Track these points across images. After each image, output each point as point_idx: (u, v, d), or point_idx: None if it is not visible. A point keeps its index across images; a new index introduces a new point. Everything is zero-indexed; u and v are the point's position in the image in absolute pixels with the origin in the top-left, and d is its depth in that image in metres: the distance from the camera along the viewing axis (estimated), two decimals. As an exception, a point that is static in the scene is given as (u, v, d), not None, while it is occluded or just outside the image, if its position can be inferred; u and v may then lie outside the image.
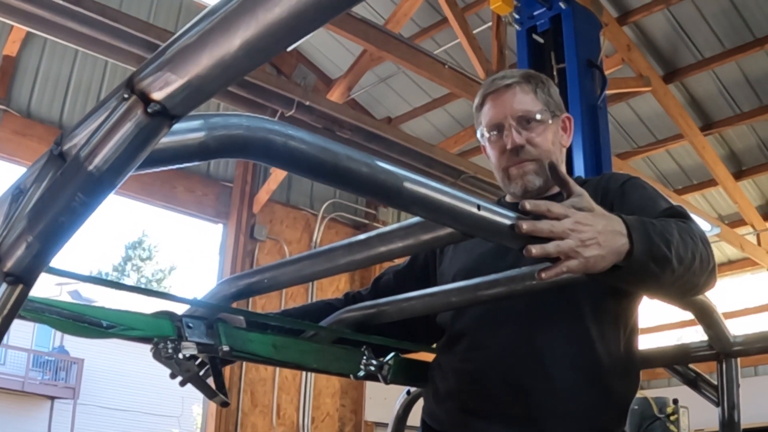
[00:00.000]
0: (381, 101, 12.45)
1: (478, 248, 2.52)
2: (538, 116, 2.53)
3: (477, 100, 2.64)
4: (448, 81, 9.15)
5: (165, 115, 0.95)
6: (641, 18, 10.01)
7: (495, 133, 2.55)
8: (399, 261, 2.70)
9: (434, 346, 2.71)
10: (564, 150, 2.66)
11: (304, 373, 11.22)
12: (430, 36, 10.78)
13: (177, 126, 1.12)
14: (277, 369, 10.95)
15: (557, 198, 2.52)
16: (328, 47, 11.64)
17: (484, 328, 2.43)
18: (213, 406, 10.33)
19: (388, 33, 8.80)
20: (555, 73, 6.60)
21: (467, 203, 1.49)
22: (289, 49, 9.14)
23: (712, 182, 11.77)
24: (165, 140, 1.12)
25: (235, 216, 11.02)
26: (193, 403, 32.65)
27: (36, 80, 9.72)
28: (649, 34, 10.44)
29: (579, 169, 6.20)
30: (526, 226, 1.67)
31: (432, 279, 2.68)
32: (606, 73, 6.96)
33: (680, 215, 2.19)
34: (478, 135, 2.65)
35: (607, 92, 6.93)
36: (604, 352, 2.39)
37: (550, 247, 1.73)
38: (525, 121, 2.52)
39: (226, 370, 8.49)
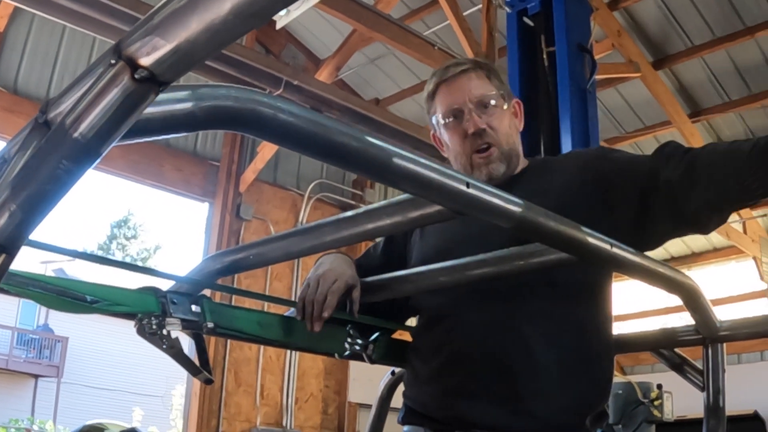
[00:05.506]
0: (369, 82, 12.45)
1: (449, 230, 2.51)
2: (494, 101, 2.55)
3: (430, 88, 2.65)
4: (438, 62, 9.09)
5: (152, 81, 0.93)
6: (632, 4, 10.03)
7: (452, 119, 2.56)
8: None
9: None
10: (519, 133, 2.69)
11: (288, 353, 11.25)
12: (420, 17, 10.77)
13: (164, 96, 1.11)
14: (262, 349, 10.97)
15: (520, 178, 2.56)
16: (317, 27, 11.61)
17: (465, 309, 2.43)
18: (197, 385, 10.34)
19: (379, 13, 8.79)
20: (545, 56, 6.59)
21: (457, 180, 1.47)
22: (279, 26, 9.14)
23: (699, 169, 11.77)
24: (152, 110, 1.11)
25: (222, 195, 11.02)
26: (177, 383, 32.68)
27: (23, 56, 9.69)
28: (639, 19, 10.45)
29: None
30: None
31: (405, 260, 2.68)
32: (596, 58, 6.94)
33: (678, 146, 2.31)
34: (432, 122, 2.65)
35: (597, 77, 6.91)
36: (585, 333, 2.44)
37: None
38: (483, 105, 2.54)
39: (210, 350, 8.44)
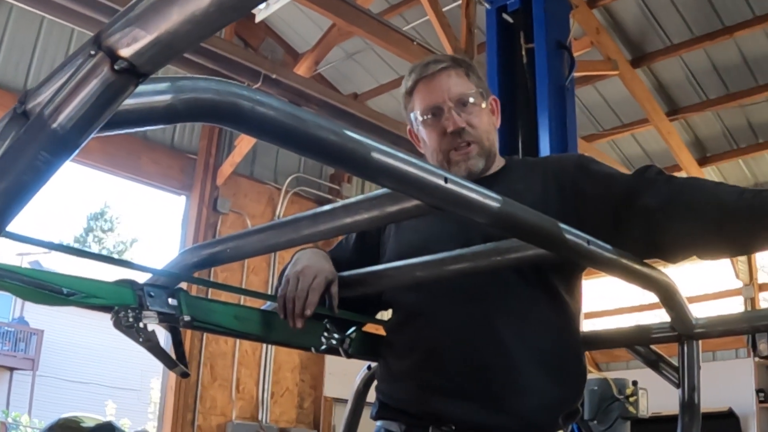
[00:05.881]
0: (348, 77, 12.44)
1: (425, 227, 2.52)
2: (473, 99, 2.56)
3: (408, 85, 2.65)
4: (417, 58, 9.04)
5: (132, 72, 0.93)
6: (611, 2, 10.05)
7: (431, 116, 2.56)
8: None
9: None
10: (496, 130, 2.69)
11: (264, 347, 11.23)
12: (399, 13, 10.76)
13: (144, 88, 1.11)
14: (238, 343, 10.96)
15: (497, 178, 2.56)
16: (296, 21, 11.59)
17: (440, 305, 2.44)
18: (172, 379, 10.31)
19: (358, 8, 8.78)
20: (524, 52, 6.60)
21: (435, 175, 1.48)
22: (258, 20, 9.11)
23: (676, 168, 11.83)
24: (132, 102, 1.10)
25: (199, 188, 10.98)
26: (153, 377, 32.55)
27: (0, 47, 9.61)
28: (618, 18, 10.48)
29: (545, 150, 6.20)
30: None
31: (378, 255, 2.69)
32: (574, 55, 6.96)
33: (660, 171, 2.34)
34: (410, 118, 2.66)
35: (575, 74, 6.94)
36: (559, 331, 2.46)
37: None
38: (461, 103, 2.55)
39: (186, 344, 8.40)
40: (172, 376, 10.04)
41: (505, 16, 6.83)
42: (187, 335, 10.25)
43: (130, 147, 10.44)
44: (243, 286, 10.65)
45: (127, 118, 1.11)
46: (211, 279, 9.74)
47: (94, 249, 47.21)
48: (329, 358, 11.70)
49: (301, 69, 10.33)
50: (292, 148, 1.33)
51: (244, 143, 10.83)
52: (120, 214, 56.04)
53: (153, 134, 10.87)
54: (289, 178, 11.91)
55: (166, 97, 1.14)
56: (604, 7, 10.18)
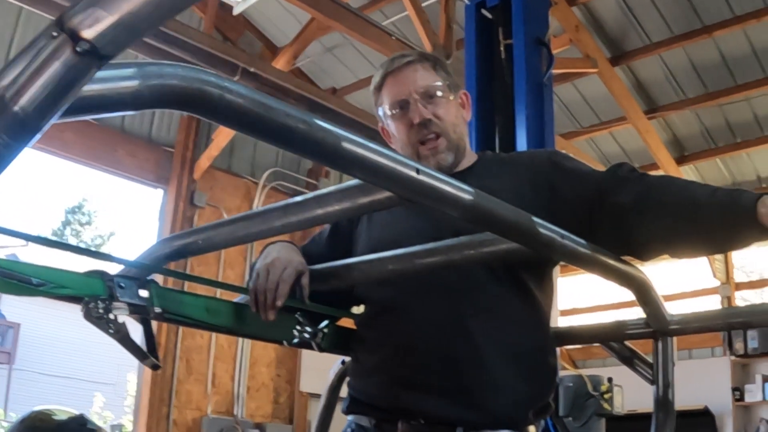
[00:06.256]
0: (327, 71, 12.42)
1: (397, 222, 2.53)
2: (440, 92, 2.57)
3: (376, 80, 2.66)
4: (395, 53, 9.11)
5: (94, 54, 0.91)
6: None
7: (398, 110, 2.57)
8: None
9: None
10: (466, 124, 2.70)
11: (240, 342, 11.21)
12: (379, 8, 10.73)
13: (110, 73, 1.09)
14: (213, 337, 10.94)
15: (470, 173, 2.56)
16: (276, 14, 11.56)
17: (412, 300, 2.43)
18: (148, 373, 10.28)
19: (337, 2, 8.76)
20: (502, 48, 6.60)
21: (406, 166, 1.47)
22: (236, 12, 9.08)
23: (654, 166, 11.87)
24: (98, 87, 1.09)
25: (176, 181, 10.95)
26: (130, 371, 32.45)
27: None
28: (597, 15, 10.50)
29: (522, 146, 6.20)
30: None
31: (351, 250, 2.67)
32: (553, 52, 6.96)
33: (633, 169, 2.35)
34: (380, 113, 2.67)
35: (554, 72, 6.94)
36: (530, 327, 2.48)
37: None
38: (428, 96, 2.56)
39: (162, 338, 8.40)
40: (148, 370, 10.00)
41: (484, 11, 6.83)
42: (163, 330, 10.24)
43: (108, 139, 10.40)
44: (219, 280, 10.63)
45: (93, 103, 1.10)
46: (188, 273, 9.70)
47: (72, 242, 46.97)
48: (305, 354, 11.69)
49: (280, 63, 10.33)
50: (261, 137, 1.31)
51: (222, 137, 10.80)
52: (98, 208, 55.72)
53: (130, 127, 10.83)
54: (267, 173, 11.89)
55: (133, 83, 1.12)
56: (584, 5, 10.19)
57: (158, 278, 2.26)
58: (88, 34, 0.90)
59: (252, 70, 8.94)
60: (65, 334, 33.69)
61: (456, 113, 2.62)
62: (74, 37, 0.91)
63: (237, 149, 11.72)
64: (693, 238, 2.14)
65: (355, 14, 8.97)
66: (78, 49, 0.90)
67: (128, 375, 31.06)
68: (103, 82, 1.09)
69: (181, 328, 10.46)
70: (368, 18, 9.24)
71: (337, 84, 12.48)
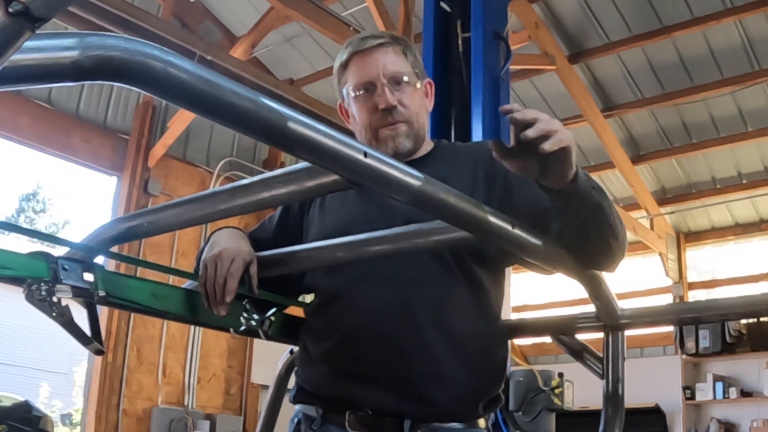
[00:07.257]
0: (284, 62, 12.37)
1: (348, 211, 2.51)
2: (407, 78, 2.53)
3: (343, 58, 2.59)
4: (353, 45, 9.08)
5: (27, 16, 0.88)
6: (550, -4, 10.10)
7: (363, 92, 2.52)
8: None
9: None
10: (428, 113, 2.69)
11: (191, 332, 11.16)
12: (339, -2, 10.72)
13: (50, 42, 1.06)
14: (165, 327, 10.88)
15: (425, 161, 2.53)
16: (234, 3, 11.52)
17: (359, 291, 2.41)
18: (98, 362, 10.20)
19: (296, -9, 8.74)
20: (460, 41, 6.60)
21: (354, 149, 1.44)
22: (193, -1, 8.99)
23: (609, 164, 11.94)
24: (36, 56, 1.06)
25: (130, 169, 10.86)
26: (82, 360, 32.23)
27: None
28: (557, 13, 10.53)
29: (477, 138, 6.19)
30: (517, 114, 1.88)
31: (301, 236, 2.64)
32: (512, 49, 6.97)
33: None
34: (343, 93, 2.62)
35: (512, 68, 6.95)
36: (479, 319, 2.45)
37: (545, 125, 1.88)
38: (396, 81, 2.51)
39: (113, 326, 8.32)
40: (98, 359, 9.93)
41: (443, 4, 6.82)
42: (114, 318, 10.17)
43: (62, 124, 10.31)
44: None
45: (30, 72, 1.07)
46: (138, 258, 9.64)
47: (25, 229, 46.47)
48: (257, 345, 11.68)
49: (237, 52, 10.29)
50: (206, 114, 1.28)
51: (177, 125, 10.74)
52: (53, 196, 55.30)
53: (85, 113, 10.73)
54: (222, 162, 11.84)
55: (73, 54, 1.09)
56: (543, 2, 10.22)
57: (111, 266, 2.22)
58: (21, -6, 0.88)
59: (209, 58, 8.88)
60: (13, 322, 33.38)
61: (420, 102, 2.58)
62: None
63: (192, 138, 11.66)
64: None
65: (314, 4, 8.95)
66: (10, 10, 0.88)
67: (81, 364, 30.92)
68: (43, 51, 1.07)
69: (132, 317, 10.40)
70: (327, 8, 9.23)
71: (295, 75, 12.43)
